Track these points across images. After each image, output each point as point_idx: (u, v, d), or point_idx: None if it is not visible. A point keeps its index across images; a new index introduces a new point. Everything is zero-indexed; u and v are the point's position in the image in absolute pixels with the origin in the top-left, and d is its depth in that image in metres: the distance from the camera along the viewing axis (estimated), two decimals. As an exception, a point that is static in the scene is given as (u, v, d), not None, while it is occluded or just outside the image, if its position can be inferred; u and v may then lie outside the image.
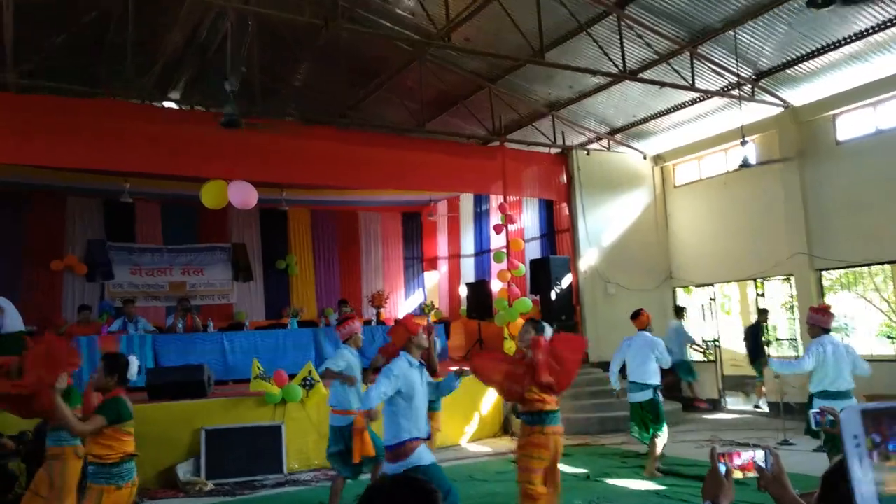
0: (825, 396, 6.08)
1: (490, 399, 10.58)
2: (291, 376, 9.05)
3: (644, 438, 7.76)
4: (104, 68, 11.40)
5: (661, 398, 7.82)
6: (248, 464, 8.28)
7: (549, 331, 5.32)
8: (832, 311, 6.44)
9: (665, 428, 7.70)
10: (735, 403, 12.22)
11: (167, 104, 12.68)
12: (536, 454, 4.99)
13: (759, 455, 1.77)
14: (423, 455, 4.38)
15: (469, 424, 10.29)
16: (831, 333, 6.34)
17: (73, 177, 11.56)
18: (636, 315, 7.99)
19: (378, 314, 13.47)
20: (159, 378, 8.92)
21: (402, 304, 16.17)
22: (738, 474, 1.80)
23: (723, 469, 1.75)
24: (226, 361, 10.36)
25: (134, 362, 4.48)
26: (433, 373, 4.87)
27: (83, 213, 13.32)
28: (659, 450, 7.66)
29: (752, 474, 1.81)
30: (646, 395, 7.66)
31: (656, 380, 7.71)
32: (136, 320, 10.64)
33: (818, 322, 6.34)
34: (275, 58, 11.30)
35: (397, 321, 4.74)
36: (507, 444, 10.00)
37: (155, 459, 8.09)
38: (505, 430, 10.67)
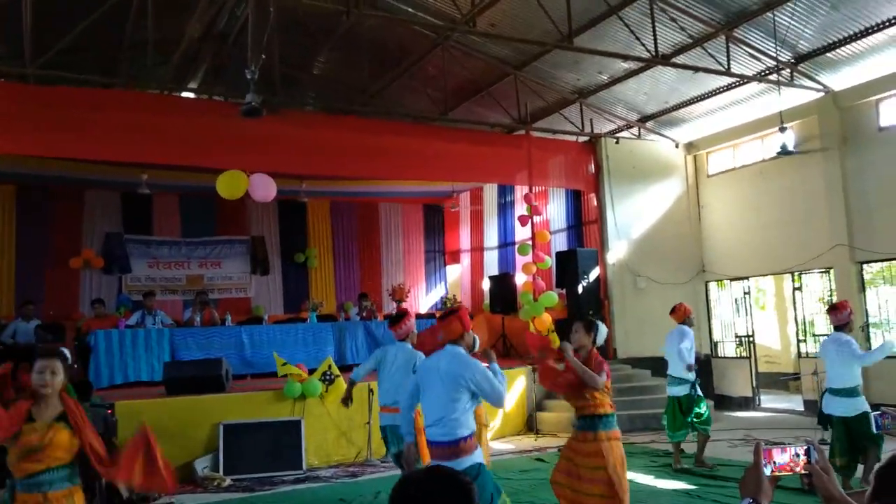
0: (833, 394, 6.23)
1: (514, 396, 10.32)
2: (311, 371, 8.87)
3: (672, 436, 7.66)
4: (123, 59, 11.28)
5: (698, 392, 7.68)
6: (267, 459, 8.15)
7: (603, 331, 4.97)
8: (841, 308, 6.37)
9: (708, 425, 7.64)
10: (769, 402, 11.79)
11: (185, 94, 12.53)
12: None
13: (803, 451, 1.69)
14: (479, 452, 4.23)
15: (492, 421, 10.00)
16: (840, 330, 6.31)
17: (91, 169, 11.49)
18: (673, 310, 7.97)
19: (398, 308, 13.21)
20: (177, 372, 8.81)
21: (423, 298, 15.94)
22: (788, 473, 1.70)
23: (767, 470, 1.67)
24: (244, 356, 10.25)
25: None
26: None
27: (101, 206, 13.26)
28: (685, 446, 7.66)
29: (791, 473, 1.71)
30: (683, 390, 7.60)
31: (691, 374, 7.61)
32: (155, 313, 10.54)
33: (832, 321, 6.46)
34: (295, 46, 11.09)
35: (450, 311, 4.51)
36: (531, 441, 9.76)
37: (172, 454, 7.85)
38: (529, 427, 10.39)
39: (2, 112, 8.28)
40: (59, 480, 3.45)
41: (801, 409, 10.81)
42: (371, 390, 8.32)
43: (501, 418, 10.16)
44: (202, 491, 7.56)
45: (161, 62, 10.88)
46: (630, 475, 7.26)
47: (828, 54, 9.71)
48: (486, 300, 14.24)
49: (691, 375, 7.59)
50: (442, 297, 15.28)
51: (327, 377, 8.80)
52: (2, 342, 9.63)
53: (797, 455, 1.69)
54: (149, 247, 13.33)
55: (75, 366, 10.25)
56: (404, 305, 13.40)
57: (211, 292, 12.70)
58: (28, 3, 7.99)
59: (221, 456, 8.00)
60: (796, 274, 11.32)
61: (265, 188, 9.82)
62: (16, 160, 10.52)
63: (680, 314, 7.85)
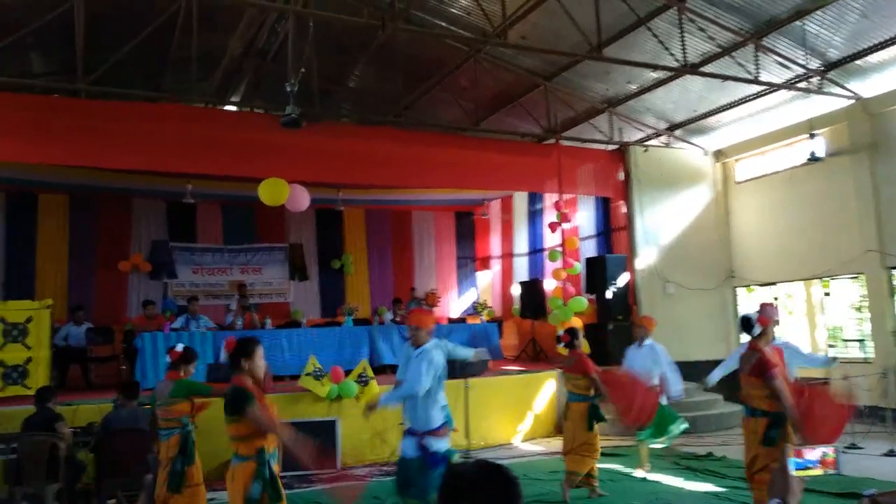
0: None
1: (544, 398, 10.50)
2: (347, 373, 9.15)
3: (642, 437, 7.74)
4: (167, 74, 11.78)
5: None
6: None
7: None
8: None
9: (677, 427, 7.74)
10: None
11: (228, 107, 13.01)
12: None
13: (831, 450, 1.86)
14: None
15: (522, 423, 10.22)
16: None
17: (138, 179, 12.00)
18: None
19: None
20: (220, 373, 9.10)
21: (454, 303, 16.18)
22: (816, 472, 1.75)
23: (792, 469, 1.75)
24: (283, 358, 10.55)
25: None
26: None
27: (148, 214, 13.80)
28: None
29: (830, 471, 1.82)
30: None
31: None
32: (199, 318, 10.95)
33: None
34: (331, 60, 11.46)
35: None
36: (560, 443, 9.87)
37: (214, 452, 8.26)
38: (559, 429, 10.52)
39: (56, 126, 8.74)
40: None
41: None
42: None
43: (532, 421, 10.34)
44: (243, 487, 7.90)
45: (204, 77, 11.35)
46: (658, 477, 7.53)
47: (857, 62, 9.71)
48: (517, 305, 14.45)
49: None
50: (473, 303, 15.51)
51: (363, 379, 9.09)
52: (55, 344, 10.11)
53: (821, 454, 1.84)
54: (193, 254, 13.82)
55: (123, 367, 10.77)
56: (436, 310, 13.71)
57: (251, 297, 13.12)
58: (80, 24, 8.47)
59: (262, 454, 8.31)
60: (826, 279, 11.32)
61: (299, 199, 10.24)
62: (68, 171, 11.05)
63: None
